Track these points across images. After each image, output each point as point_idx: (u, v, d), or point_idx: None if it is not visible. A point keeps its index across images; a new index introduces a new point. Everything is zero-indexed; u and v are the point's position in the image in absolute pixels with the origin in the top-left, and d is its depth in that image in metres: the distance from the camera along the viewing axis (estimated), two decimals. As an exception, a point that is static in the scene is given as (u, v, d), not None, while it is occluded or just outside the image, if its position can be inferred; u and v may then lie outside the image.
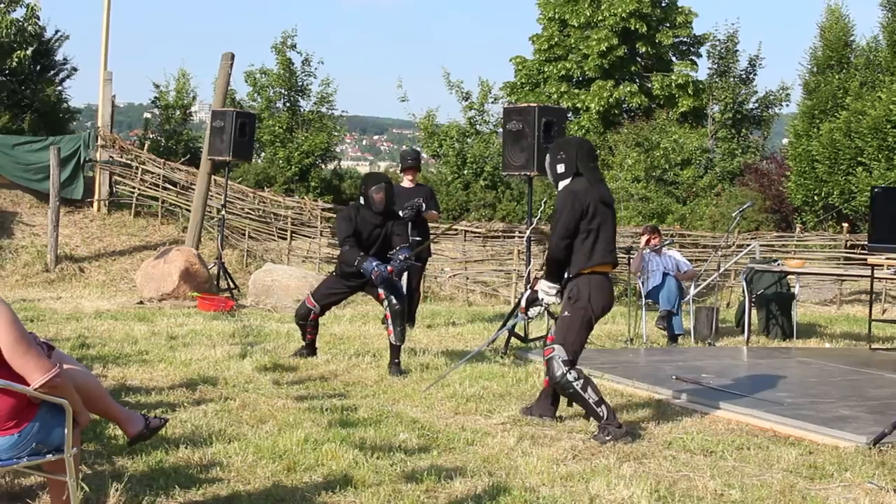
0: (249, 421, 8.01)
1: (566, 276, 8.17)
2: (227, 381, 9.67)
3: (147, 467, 6.62)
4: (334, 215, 22.89)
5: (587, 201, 8.00)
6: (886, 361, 12.99)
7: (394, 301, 10.65)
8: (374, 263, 10.48)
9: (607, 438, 7.77)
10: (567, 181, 8.20)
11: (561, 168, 8.24)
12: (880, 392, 10.35)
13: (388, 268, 10.53)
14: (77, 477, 5.29)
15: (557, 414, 8.67)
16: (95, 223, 21.28)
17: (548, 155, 8.51)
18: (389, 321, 10.68)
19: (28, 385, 4.92)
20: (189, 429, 7.57)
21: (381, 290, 10.70)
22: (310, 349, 11.43)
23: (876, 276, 15.03)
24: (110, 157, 21.80)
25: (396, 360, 10.64)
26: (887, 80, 27.34)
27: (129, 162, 22.06)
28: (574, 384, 7.96)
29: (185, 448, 6.99)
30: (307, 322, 11.29)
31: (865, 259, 16.85)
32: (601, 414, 7.94)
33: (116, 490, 5.95)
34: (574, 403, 8.28)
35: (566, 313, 8.11)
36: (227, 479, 6.44)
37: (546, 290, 8.31)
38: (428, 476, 6.55)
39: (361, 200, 11.00)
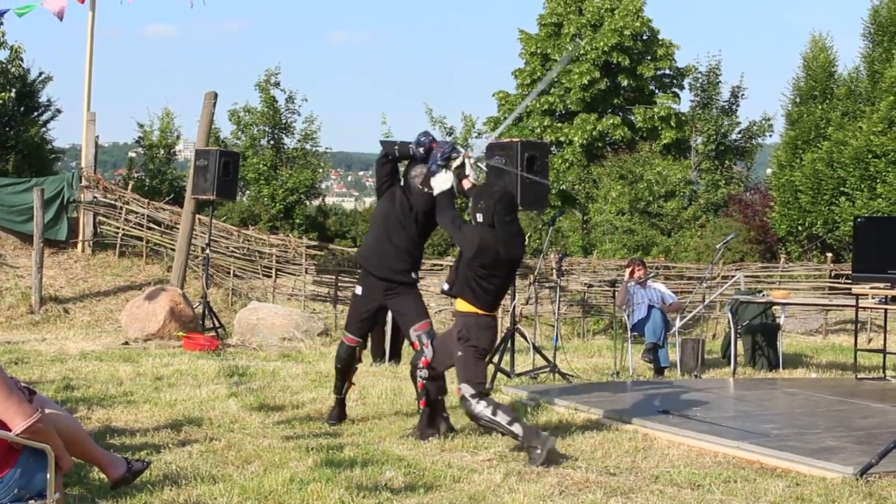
0: (235, 461, 7.97)
1: (448, 289, 8.62)
2: (213, 422, 9.63)
3: (131, 510, 6.58)
4: (319, 252, 22.89)
5: (482, 253, 8.38)
6: (872, 391, 12.99)
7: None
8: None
9: (538, 455, 8.02)
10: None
11: (479, 217, 8.50)
12: (867, 422, 10.34)
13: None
14: (60, 522, 5.25)
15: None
16: (80, 264, 21.22)
17: (471, 198, 8.74)
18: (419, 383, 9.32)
19: (9, 431, 4.89)
20: (174, 470, 7.52)
21: (414, 340, 9.40)
22: (341, 409, 10.02)
23: (860, 305, 15.06)
24: (94, 197, 21.77)
25: (445, 414, 9.42)
26: (868, 111, 27.49)
27: (113, 202, 22.03)
28: (484, 412, 8.36)
29: (170, 490, 6.95)
30: (352, 364, 9.88)
31: (850, 289, 16.89)
32: (517, 433, 8.27)
33: (100, 534, 5.91)
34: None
35: (459, 353, 8.52)
36: (213, 521, 6.40)
37: (441, 182, 8.87)
38: (414, 515, 6.52)
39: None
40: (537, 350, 13.67)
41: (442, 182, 8.91)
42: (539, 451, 8.04)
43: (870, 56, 29.32)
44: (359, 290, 9.83)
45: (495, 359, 12.72)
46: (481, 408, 8.37)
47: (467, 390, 8.43)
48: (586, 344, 19.29)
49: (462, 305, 8.57)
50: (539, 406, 10.80)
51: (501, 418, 8.33)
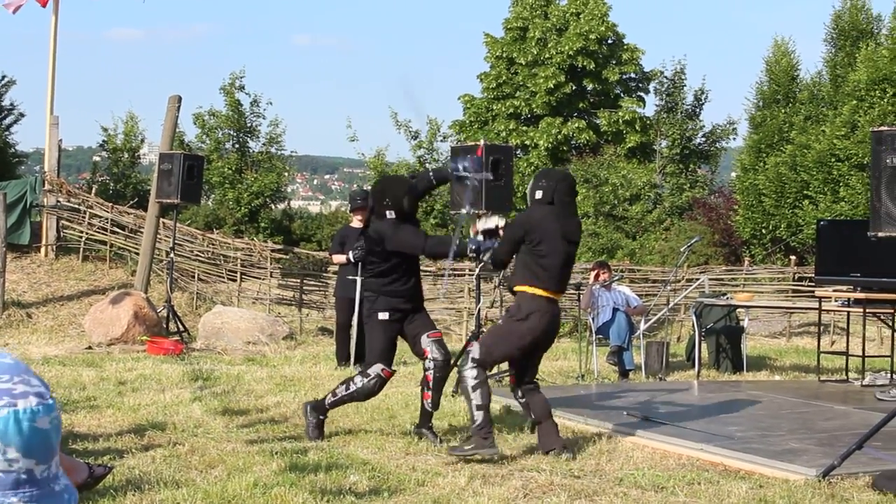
0: (198, 466, 7.93)
1: (510, 286, 8.74)
2: (177, 426, 9.59)
3: (94, 516, 6.54)
4: (285, 256, 22.82)
5: (536, 229, 8.48)
6: (835, 393, 13.08)
7: (440, 363, 9.26)
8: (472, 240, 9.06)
9: (466, 448, 8.22)
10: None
11: (539, 194, 8.70)
12: (829, 424, 10.41)
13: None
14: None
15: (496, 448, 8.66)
16: (43, 268, 21.09)
17: (532, 180, 8.96)
18: (430, 384, 9.32)
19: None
20: (136, 475, 7.48)
21: (425, 346, 9.28)
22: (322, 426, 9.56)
23: (823, 308, 15.15)
24: (57, 201, 21.64)
25: (430, 425, 9.45)
26: (831, 115, 27.70)
27: (76, 206, 21.90)
28: (468, 379, 8.39)
29: (133, 495, 6.91)
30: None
31: (813, 291, 16.98)
32: (476, 419, 8.30)
33: (62, 540, 5.86)
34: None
35: (500, 321, 8.75)
36: (176, 526, 6.37)
37: (495, 224, 8.92)
38: (378, 518, 6.51)
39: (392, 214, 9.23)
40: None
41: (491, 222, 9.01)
42: (468, 449, 8.22)
43: (832, 60, 29.56)
44: (385, 315, 9.25)
45: (459, 362, 12.71)
46: (469, 374, 8.40)
47: (475, 352, 8.47)
48: (551, 347, 19.31)
49: (521, 288, 8.60)
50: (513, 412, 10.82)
51: (475, 398, 8.33)
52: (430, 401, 9.34)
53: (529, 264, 8.49)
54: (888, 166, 7.84)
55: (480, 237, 9.02)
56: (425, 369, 9.33)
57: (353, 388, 9.19)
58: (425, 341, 9.30)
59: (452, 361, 9.40)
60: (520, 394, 8.89)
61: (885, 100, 25.73)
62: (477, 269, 13.89)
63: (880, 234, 8.04)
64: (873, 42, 28.13)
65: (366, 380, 9.15)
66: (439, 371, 9.28)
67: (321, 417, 9.32)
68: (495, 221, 9.10)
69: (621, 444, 9.26)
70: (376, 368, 9.14)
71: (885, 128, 8.28)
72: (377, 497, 7.10)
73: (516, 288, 8.59)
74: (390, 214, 9.17)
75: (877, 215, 7.97)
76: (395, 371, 9.42)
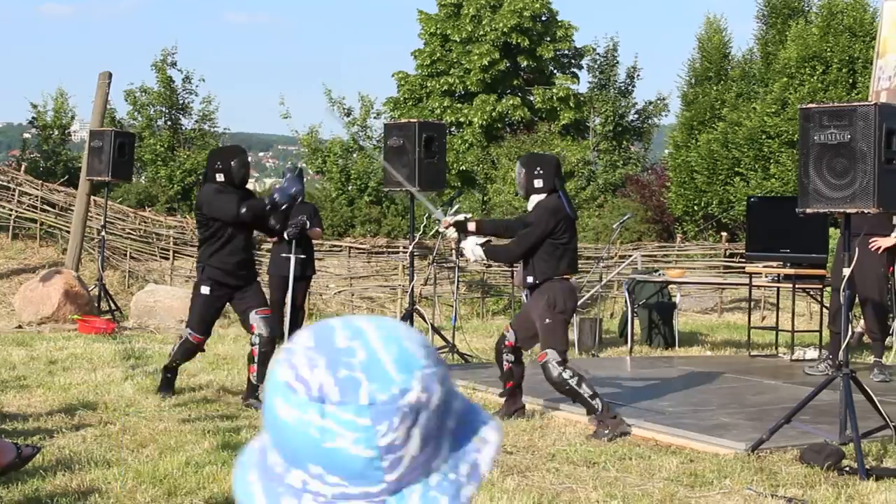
0: (130, 445, 7.88)
1: (533, 281, 8.91)
2: (108, 406, 9.52)
3: (23, 496, 6.47)
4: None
5: (560, 218, 8.81)
6: (765, 368, 13.23)
7: (265, 339, 9.64)
8: (277, 191, 9.29)
9: (606, 433, 8.47)
10: (542, 196, 8.91)
11: (539, 183, 8.92)
12: (759, 398, 10.54)
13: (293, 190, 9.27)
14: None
15: None
16: (-29, 247, 20.84)
17: (522, 168, 9.12)
18: (255, 358, 9.67)
19: None
20: (67, 455, 7.42)
21: (252, 322, 9.67)
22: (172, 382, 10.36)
23: (754, 284, 15.30)
24: (-14, 178, 21.37)
25: (256, 395, 9.58)
26: (762, 92, 27.93)
27: (5, 184, 21.63)
28: (570, 381, 8.68)
29: (63, 475, 6.86)
30: (191, 357, 10.30)
31: (744, 267, 17.15)
32: (596, 407, 8.62)
33: (-9, 521, 5.82)
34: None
35: (547, 320, 8.81)
36: (106, 506, 6.33)
37: (471, 251, 9.17)
38: (311, 496, 6.49)
39: (221, 178, 9.58)
40: (436, 331, 13.69)
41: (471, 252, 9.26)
42: (607, 434, 8.46)
43: (763, 38, 29.80)
44: (206, 290, 9.81)
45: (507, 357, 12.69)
46: (567, 376, 8.69)
47: (553, 356, 8.74)
48: (485, 324, 19.36)
49: (549, 277, 8.87)
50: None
51: (585, 391, 8.66)
52: (255, 374, 9.68)
53: (553, 253, 8.79)
54: (816, 143, 7.92)
55: (448, 231, 9.58)
56: (251, 344, 9.71)
57: (175, 347, 10.16)
58: (253, 317, 9.67)
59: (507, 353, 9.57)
60: (511, 357, 9.33)
61: (815, 77, 25.98)
62: (411, 247, 13.89)
63: (808, 211, 8.13)
64: (803, 20, 28.38)
65: (179, 342, 10.08)
66: (265, 346, 9.60)
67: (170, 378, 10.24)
68: (463, 215, 9.49)
69: (554, 419, 9.32)
70: (185, 332, 9.86)
71: (813, 105, 8.37)
72: (310, 475, 7.08)
73: (545, 280, 8.83)
74: (219, 177, 9.52)
75: (805, 192, 8.06)
76: (205, 339, 9.99)
